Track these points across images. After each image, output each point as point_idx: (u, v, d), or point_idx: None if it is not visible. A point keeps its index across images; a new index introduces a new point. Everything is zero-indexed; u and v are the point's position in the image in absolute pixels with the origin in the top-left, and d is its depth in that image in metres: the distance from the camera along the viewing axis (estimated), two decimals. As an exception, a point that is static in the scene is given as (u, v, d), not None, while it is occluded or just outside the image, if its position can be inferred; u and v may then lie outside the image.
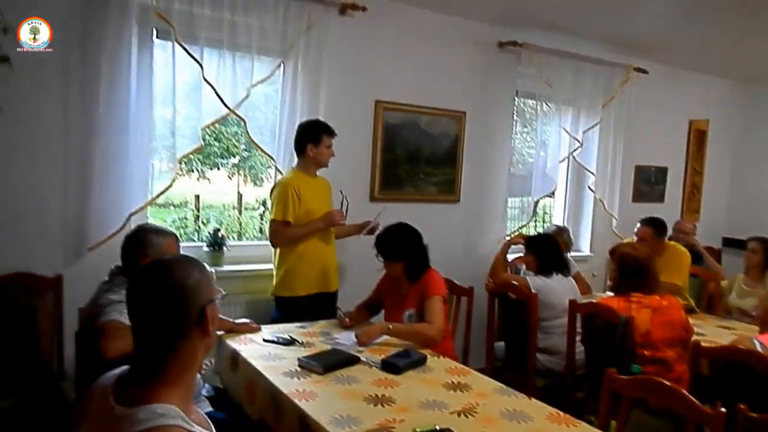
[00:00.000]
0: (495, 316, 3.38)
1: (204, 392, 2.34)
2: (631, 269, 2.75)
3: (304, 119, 3.29)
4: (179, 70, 3.04)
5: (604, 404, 1.89)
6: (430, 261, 2.86)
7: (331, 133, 3.13)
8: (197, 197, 5.46)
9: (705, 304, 4.15)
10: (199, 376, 2.26)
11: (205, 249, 3.35)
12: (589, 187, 4.82)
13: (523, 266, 3.61)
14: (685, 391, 1.69)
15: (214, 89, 3.08)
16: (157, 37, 3.03)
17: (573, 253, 4.74)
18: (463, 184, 4.22)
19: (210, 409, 2.20)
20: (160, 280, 1.18)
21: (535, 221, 5.74)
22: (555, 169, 4.50)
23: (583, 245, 5.09)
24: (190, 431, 1.11)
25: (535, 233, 3.62)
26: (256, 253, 3.45)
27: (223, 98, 3.11)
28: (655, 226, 3.88)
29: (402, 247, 2.73)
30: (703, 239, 5.25)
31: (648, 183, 5.47)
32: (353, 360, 2.30)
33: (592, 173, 4.75)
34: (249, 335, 2.59)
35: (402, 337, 2.55)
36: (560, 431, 1.77)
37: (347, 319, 2.81)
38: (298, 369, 2.20)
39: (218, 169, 6.41)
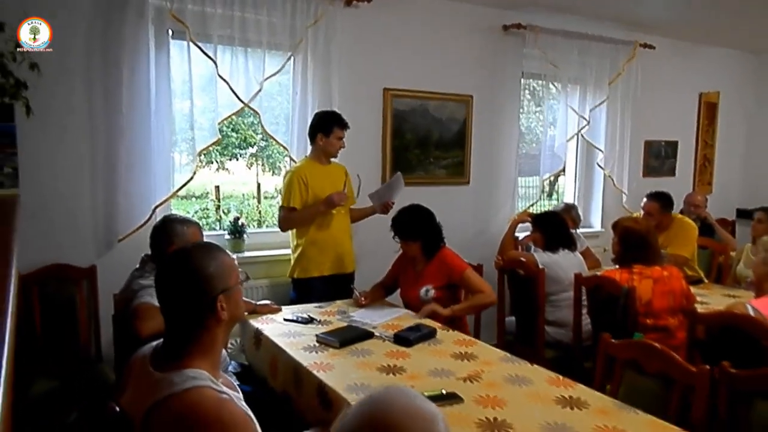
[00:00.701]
0: (505, 292, 3.52)
1: (231, 368, 2.52)
2: (632, 242, 2.86)
3: (317, 110, 3.43)
4: (195, 67, 3.20)
5: (599, 367, 2.02)
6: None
7: (343, 125, 3.26)
8: (217, 188, 5.67)
9: (714, 274, 4.24)
10: (225, 353, 2.44)
11: (227, 237, 3.53)
12: (598, 164, 4.90)
13: (533, 243, 3.73)
14: (672, 352, 1.82)
15: (229, 84, 3.24)
16: (172, 37, 3.18)
17: (583, 230, 4.85)
18: (473, 167, 4.34)
19: (236, 383, 2.38)
20: (181, 269, 1.34)
21: (551, 198, 5.85)
22: (563, 148, 4.58)
23: (594, 221, 5.18)
24: (219, 390, 1.28)
25: (542, 211, 3.73)
26: (275, 239, 3.62)
27: (237, 93, 3.26)
28: (661, 200, 3.97)
29: (418, 227, 2.88)
30: (716, 211, 5.31)
31: (658, 157, 5.51)
32: (368, 335, 2.46)
33: (601, 150, 4.83)
34: (270, 315, 2.77)
35: (465, 312, 2.81)
36: (559, 392, 1.91)
37: (363, 299, 2.97)
38: (317, 344, 2.37)
39: (237, 159, 6.61)
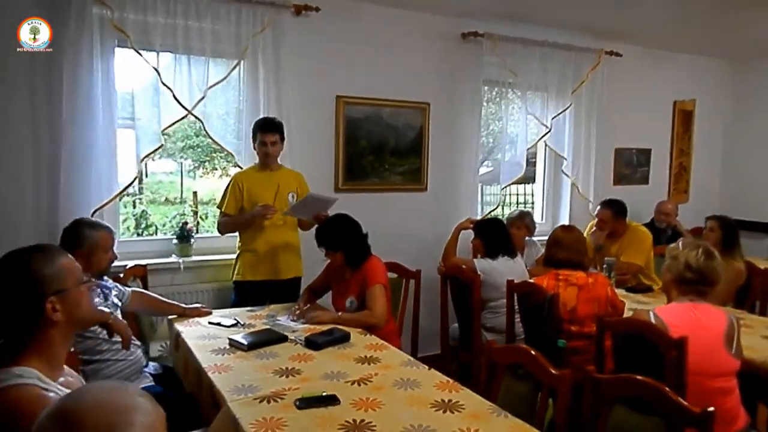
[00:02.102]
0: (448, 298, 3.53)
1: (150, 370, 2.57)
2: (553, 246, 2.88)
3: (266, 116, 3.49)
4: (140, 75, 3.28)
5: (483, 373, 2.03)
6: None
7: (266, 129, 3.28)
8: (195, 194, 5.76)
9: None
10: (140, 353, 2.49)
11: (174, 241, 3.59)
12: (563, 171, 4.89)
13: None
14: (540, 357, 1.82)
15: (172, 92, 3.30)
16: (117, 46, 3.25)
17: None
18: (430, 174, 4.36)
19: (149, 384, 2.42)
20: (11, 270, 1.37)
21: (520, 206, 5.84)
22: (524, 156, 4.58)
23: (562, 228, 5.15)
24: (45, 389, 1.31)
25: (483, 218, 3.73)
26: (224, 244, 3.66)
27: (181, 100, 3.33)
28: (614, 207, 3.96)
29: (340, 238, 2.89)
30: (692, 220, 5.27)
31: (630, 165, 5.48)
32: (282, 339, 2.49)
33: (564, 158, 4.82)
34: (197, 319, 2.81)
35: (348, 324, 2.70)
36: (441, 396, 1.93)
37: (300, 305, 2.98)
38: (228, 347, 2.41)
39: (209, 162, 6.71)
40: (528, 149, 4.62)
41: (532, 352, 1.84)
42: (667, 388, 1.52)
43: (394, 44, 4.12)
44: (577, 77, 4.75)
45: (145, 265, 3.32)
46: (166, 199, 7.34)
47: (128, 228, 6.06)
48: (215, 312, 2.92)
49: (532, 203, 5.44)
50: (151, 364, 2.63)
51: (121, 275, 3.01)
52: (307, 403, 1.83)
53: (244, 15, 3.45)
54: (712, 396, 2.13)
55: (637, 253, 3.85)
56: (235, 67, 3.49)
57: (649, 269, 3.96)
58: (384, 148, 4.13)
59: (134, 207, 6.19)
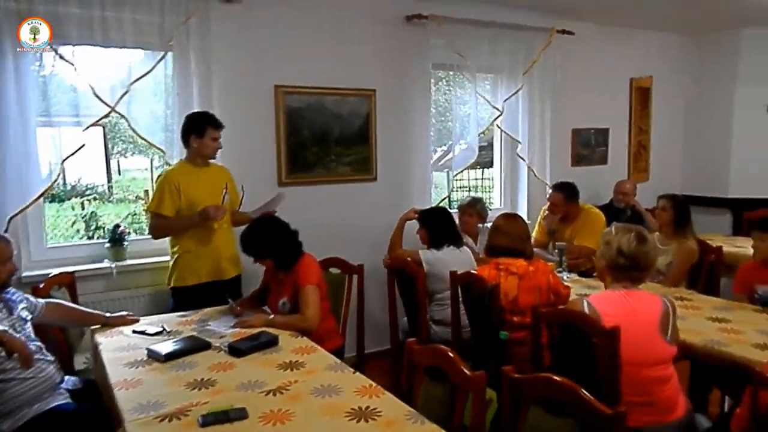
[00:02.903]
0: (395, 292, 3.41)
1: (68, 385, 2.41)
2: (494, 234, 2.78)
3: (198, 110, 3.31)
4: (57, 70, 3.08)
5: (404, 375, 1.92)
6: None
7: (216, 125, 3.14)
8: (146, 192, 5.58)
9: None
10: (52, 369, 2.33)
11: (106, 245, 3.41)
12: (518, 155, 4.79)
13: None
14: (453, 357, 1.71)
15: (92, 89, 3.11)
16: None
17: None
18: (380, 162, 4.22)
19: (62, 401, 2.27)
20: None
21: (478, 192, 5.75)
22: (475, 141, 4.46)
23: (521, 213, 5.04)
24: None
25: (428, 207, 3.62)
26: (159, 246, 3.49)
27: (102, 97, 3.14)
28: (565, 190, 3.88)
29: (264, 246, 2.75)
30: (653, 199, 5.18)
31: (588, 146, 5.40)
32: (204, 346, 2.35)
33: (519, 141, 4.72)
34: (120, 328, 2.65)
35: (279, 327, 2.57)
36: (359, 403, 1.81)
37: (238, 308, 2.85)
38: (146, 358, 2.26)
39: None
40: (481, 133, 4.50)
41: (449, 353, 1.73)
42: (581, 389, 1.42)
43: (335, 29, 3.95)
44: (529, 58, 4.64)
45: (72, 272, 3.15)
46: (137, 197, 7.13)
47: (77, 230, 5.88)
48: (143, 319, 2.77)
49: (491, 188, 5.34)
50: (71, 378, 2.47)
51: (41, 285, 2.84)
52: (211, 419, 1.70)
53: (168, 3, 3.27)
54: (648, 385, 2.05)
55: (590, 236, 3.76)
56: (160, 60, 3.31)
57: (603, 252, 3.88)
58: (328, 138, 3.98)
59: (83, 208, 5.97)
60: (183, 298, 3.14)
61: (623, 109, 5.60)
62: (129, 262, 3.43)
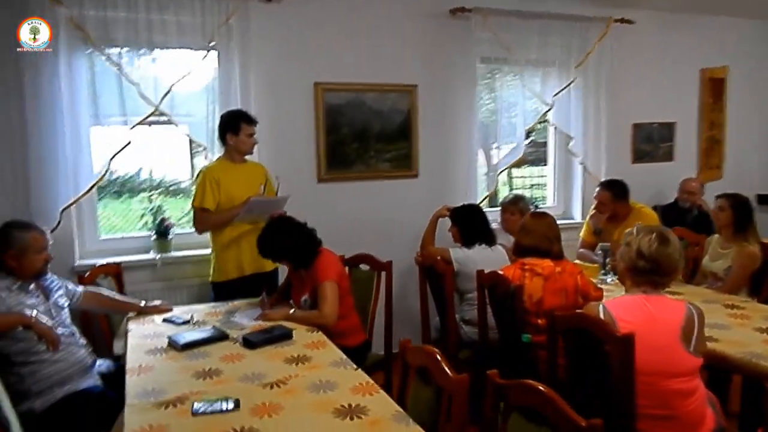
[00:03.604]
0: (427, 290, 3.36)
1: (101, 369, 2.55)
2: (521, 233, 2.67)
3: (241, 107, 3.41)
4: (105, 73, 3.26)
5: (396, 376, 1.88)
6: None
7: (250, 121, 3.22)
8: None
9: (690, 269, 3.86)
10: (84, 352, 2.47)
11: (153, 237, 3.59)
12: (569, 150, 4.59)
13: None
14: (437, 354, 1.66)
15: (138, 89, 3.28)
16: (78, 44, 3.23)
17: (563, 221, 4.57)
18: (421, 159, 4.17)
19: (92, 384, 2.41)
20: None
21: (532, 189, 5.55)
22: (522, 137, 4.31)
23: (575, 213, 4.86)
24: None
25: (461, 204, 3.50)
26: (203, 239, 3.62)
27: (148, 96, 3.30)
28: (612, 188, 3.67)
29: (278, 249, 2.77)
30: None
31: (650, 141, 5.08)
32: (222, 337, 2.42)
33: (570, 136, 4.51)
34: (153, 316, 2.77)
35: (299, 322, 2.61)
36: (352, 399, 1.80)
37: (267, 301, 2.91)
38: (165, 346, 2.36)
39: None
40: (529, 130, 4.35)
41: (436, 354, 1.67)
42: (558, 399, 1.33)
43: (375, 25, 3.94)
44: (583, 50, 4.42)
45: (119, 263, 3.33)
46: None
47: (146, 224, 6.21)
48: (177, 309, 2.89)
49: (545, 186, 5.14)
50: (105, 362, 2.61)
51: (86, 274, 3.02)
52: (203, 409, 1.74)
53: (209, 4, 3.38)
54: (670, 398, 1.91)
55: (640, 237, 3.53)
56: (203, 59, 3.43)
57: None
58: (368, 135, 3.98)
59: (150, 202, 6.29)
60: (223, 291, 3.23)
61: (692, 102, 5.23)
62: (173, 254, 3.58)
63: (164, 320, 2.72)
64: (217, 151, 3.48)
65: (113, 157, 3.32)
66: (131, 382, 2.01)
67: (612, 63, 4.54)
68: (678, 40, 4.99)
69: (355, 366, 2.09)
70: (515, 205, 3.84)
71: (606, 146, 4.62)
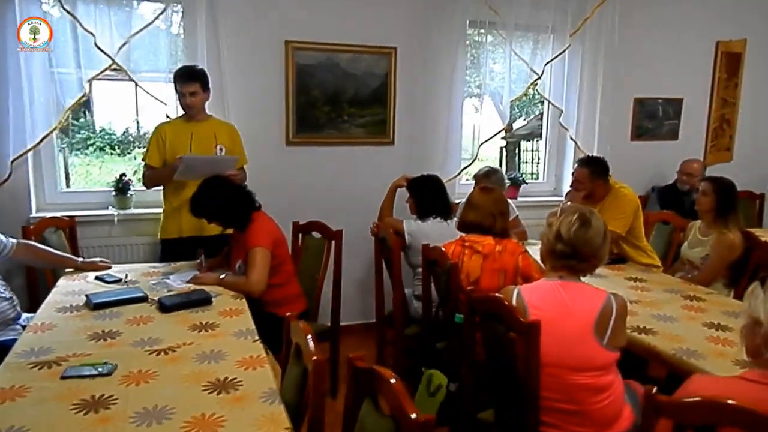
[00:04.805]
0: (382, 262, 3.24)
1: (26, 322, 2.52)
2: (465, 207, 2.53)
3: (206, 65, 3.30)
4: (61, 24, 3.17)
5: (283, 351, 1.78)
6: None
7: (184, 78, 3.07)
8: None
9: (672, 254, 3.64)
10: (6, 305, 2.44)
11: (112, 193, 3.54)
12: (560, 123, 4.34)
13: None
14: (304, 330, 1.55)
15: (95, 41, 3.18)
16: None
17: (555, 198, 4.39)
18: (398, 125, 4.00)
19: (14, 336, 2.37)
20: None
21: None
22: (507, 107, 4.09)
23: (565, 189, 4.63)
24: None
25: (419, 175, 3.32)
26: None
27: (104, 48, 3.20)
28: (590, 165, 3.43)
29: (208, 209, 2.68)
30: (739, 183, 4.54)
31: (653, 118, 4.78)
32: (140, 299, 2.35)
33: (559, 108, 4.27)
34: (87, 273, 2.73)
35: (228, 288, 2.54)
36: (234, 373, 1.71)
37: (203, 265, 2.84)
38: (80, 305, 2.30)
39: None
40: (514, 100, 4.12)
41: (302, 329, 1.56)
42: (401, 389, 1.21)
43: (353, -18, 3.74)
44: (579, 16, 4.13)
45: (72, 217, 3.30)
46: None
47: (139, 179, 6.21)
48: (115, 267, 2.84)
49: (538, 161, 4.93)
50: (31, 316, 2.58)
51: (32, 226, 2.99)
52: (73, 372, 1.68)
53: (172, -48, 3.23)
54: (577, 393, 1.77)
55: (615, 219, 3.31)
56: (162, 12, 3.31)
57: (635, 237, 3.43)
58: (341, 98, 3.81)
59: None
60: (169, 251, 3.19)
61: (704, 78, 4.88)
62: (131, 211, 3.53)
63: (96, 278, 2.67)
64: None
65: (69, 108, 3.25)
66: (24, 339, 1.96)
67: (613, 32, 4.23)
68: (691, 8, 4.63)
69: (256, 337, 1.99)
70: (488, 178, 3.66)
71: (600, 121, 4.35)
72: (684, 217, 3.71)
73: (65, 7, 3.11)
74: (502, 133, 4.80)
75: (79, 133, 5.26)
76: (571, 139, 4.34)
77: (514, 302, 1.83)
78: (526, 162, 8.14)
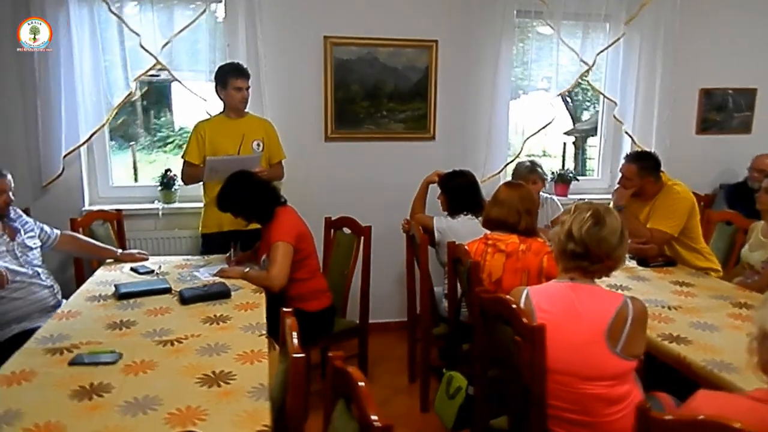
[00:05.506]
0: (414, 260, 3.17)
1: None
2: (489, 204, 2.42)
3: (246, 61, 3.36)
4: (108, 26, 3.32)
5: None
6: None
7: (238, 74, 3.16)
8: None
9: (734, 258, 3.36)
10: (46, 293, 2.57)
11: (158, 188, 3.67)
12: (614, 117, 4.11)
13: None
14: (291, 326, 1.51)
15: (140, 41, 3.30)
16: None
17: (603, 196, 4.17)
18: (440, 120, 3.91)
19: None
20: None
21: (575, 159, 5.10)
22: (556, 100, 3.90)
23: (620, 186, 4.37)
24: None
25: (451, 171, 3.19)
26: (207, 192, 3.66)
27: (148, 48, 3.31)
28: (639, 161, 3.20)
29: (232, 205, 2.71)
30: None
31: (722, 110, 4.43)
32: (164, 290, 2.42)
33: (613, 101, 4.03)
34: (123, 264, 2.84)
35: (252, 282, 2.57)
36: (231, 367, 1.71)
37: (233, 259, 2.90)
38: (108, 294, 2.39)
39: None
40: (562, 93, 3.94)
41: (289, 326, 1.53)
42: (366, 393, 1.15)
43: (392, -25, 3.69)
44: (635, 2, 3.88)
45: (120, 210, 3.45)
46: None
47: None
48: (153, 259, 2.94)
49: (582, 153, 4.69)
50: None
51: (79, 218, 3.15)
52: (80, 360, 1.74)
53: (213, -47, 3.31)
54: (588, 403, 1.65)
55: (665, 218, 3.10)
56: (203, 12, 3.39)
57: (691, 239, 3.17)
58: (380, 93, 3.77)
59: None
60: (209, 245, 3.26)
61: (783, 65, 4.47)
62: (175, 205, 3.65)
63: (131, 269, 2.77)
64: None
65: (118, 106, 3.40)
66: (48, 325, 2.06)
67: (674, 18, 3.95)
68: (766, -9, 4.25)
69: (263, 331, 1.99)
70: (535, 173, 3.52)
71: (659, 114, 4.08)
72: (754, 218, 3.41)
73: (113, 9, 3.25)
74: (565, 128, 4.62)
75: (161, 131, 5.49)
76: (626, 133, 4.09)
77: (522, 304, 1.72)
78: (592, 158, 7.80)
